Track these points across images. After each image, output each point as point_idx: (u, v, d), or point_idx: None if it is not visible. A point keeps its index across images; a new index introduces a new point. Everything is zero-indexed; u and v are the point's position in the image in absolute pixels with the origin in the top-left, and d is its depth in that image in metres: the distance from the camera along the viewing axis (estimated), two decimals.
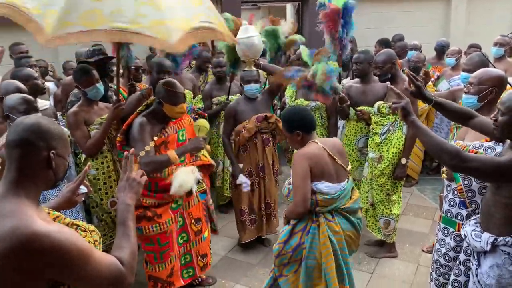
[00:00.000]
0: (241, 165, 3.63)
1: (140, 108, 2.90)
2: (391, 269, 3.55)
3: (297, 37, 4.19)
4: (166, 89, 2.76)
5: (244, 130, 3.56)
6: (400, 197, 3.69)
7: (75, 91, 3.33)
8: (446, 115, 2.34)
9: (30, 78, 3.15)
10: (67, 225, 1.44)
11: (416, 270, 3.53)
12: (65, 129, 2.92)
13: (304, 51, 3.71)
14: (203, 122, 3.07)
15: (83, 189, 1.76)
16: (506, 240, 1.90)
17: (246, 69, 3.66)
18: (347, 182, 2.44)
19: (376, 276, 3.46)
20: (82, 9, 2.15)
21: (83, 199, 1.80)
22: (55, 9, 2.15)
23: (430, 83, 5.13)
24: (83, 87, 2.96)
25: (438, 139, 1.87)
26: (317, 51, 3.50)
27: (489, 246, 1.94)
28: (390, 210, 3.61)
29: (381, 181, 3.56)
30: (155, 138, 2.75)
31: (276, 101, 5.00)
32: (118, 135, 2.83)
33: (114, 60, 3.19)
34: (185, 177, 2.74)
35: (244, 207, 3.71)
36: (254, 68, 3.63)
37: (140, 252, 3.27)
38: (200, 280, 3.33)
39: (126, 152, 1.58)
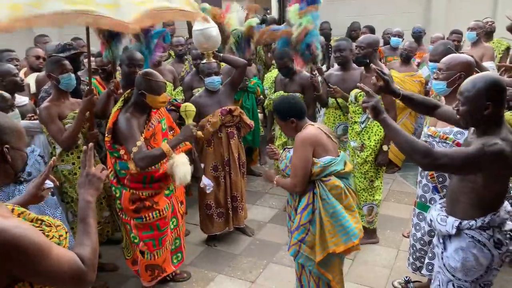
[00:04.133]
0: (202, 165, 3.60)
1: (118, 104, 2.87)
2: (372, 255, 3.59)
3: (253, 21, 4.14)
4: (147, 80, 2.73)
5: (209, 124, 3.51)
6: (382, 183, 3.73)
7: (46, 86, 3.28)
8: (413, 108, 2.33)
9: (8, 74, 3.09)
10: (32, 220, 1.42)
11: (396, 255, 3.58)
12: (20, 121, 2.86)
13: (292, 11, 3.61)
14: (189, 106, 2.97)
15: (49, 183, 1.74)
16: (470, 223, 1.94)
17: (205, 61, 3.58)
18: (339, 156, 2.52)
19: (357, 262, 3.50)
20: None
21: (50, 193, 1.78)
22: None
23: (420, 72, 5.15)
24: (57, 74, 2.92)
25: (408, 138, 1.84)
26: (305, 9, 3.42)
27: (454, 229, 1.97)
28: (373, 196, 3.65)
29: (365, 169, 3.59)
30: (144, 132, 2.75)
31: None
32: (106, 134, 2.79)
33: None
34: (185, 167, 2.79)
35: (210, 202, 3.70)
36: (214, 60, 3.56)
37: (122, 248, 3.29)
38: (173, 274, 3.31)
39: (85, 147, 1.56)
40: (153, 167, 2.78)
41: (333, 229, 2.34)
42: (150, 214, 2.83)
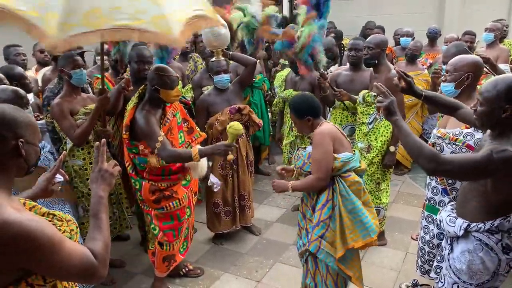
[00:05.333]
0: (210, 163, 3.56)
1: (133, 101, 2.90)
2: (379, 257, 3.56)
3: (271, 10, 4.08)
4: (160, 75, 2.76)
5: (217, 122, 3.51)
6: (389, 185, 3.69)
7: (51, 86, 3.31)
8: (436, 108, 2.30)
9: (23, 78, 3.19)
10: (43, 215, 1.43)
11: (404, 257, 3.54)
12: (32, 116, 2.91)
13: (302, 9, 3.58)
14: (236, 126, 2.71)
15: (59, 177, 1.76)
16: (478, 226, 1.90)
17: (214, 59, 3.57)
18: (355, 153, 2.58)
19: (364, 264, 3.43)
20: (82, 10, 2.09)
21: (59, 187, 1.80)
22: (54, 11, 2.07)
23: (425, 72, 5.11)
24: (69, 69, 2.95)
25: (417, 142, 1.82)
26: (309, 14, 3.40)
27: (462, 231, 1.95)
28: (380, 200, 3.61)
29: (371, 170, 3.54)
30: (161, 127, 2.81)
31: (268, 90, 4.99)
32: (124, 131, 2.83)
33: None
34: (202, 161, 2.89)
35: (218, 200, 3.70)
36: (223, 58, 3.55)
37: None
38: (187, 269, 3.36)
39: (97, 143, 1.56)
40: None
41: (352, 225, 2.39)
42: (171, 203, 2.89)
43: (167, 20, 2.15)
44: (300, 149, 2.68)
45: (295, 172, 2.69)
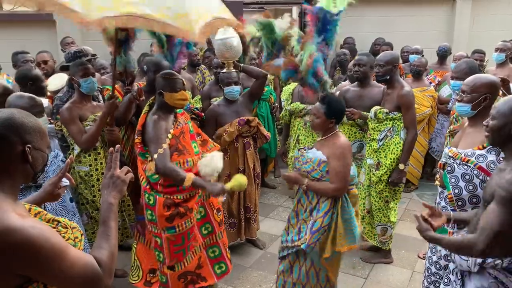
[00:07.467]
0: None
1: (144, 109, 2.91)
2: (385, 275, 3.52)
3: (294, 31, 4.12)
4: (163, 78, 2.77)
5: (226, 134, 3.51)
6: (397, 204, 3.66)
7: (60, 94, 3.34)
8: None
9: (40, 80, 3.19)
10: (48, 221, 1.42)
11: (411, 276, 3.50)
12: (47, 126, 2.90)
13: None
14: (242, 180, 2.80)
15: (65, 181, 1.75)
16: (495, 262, 1.77)
17: (225, 70, 3.59)
18: None
19: (370, 282, 3.43)
20: None
21: (66, 192, 1.79)
22: None
23: (432, 87, 5.11)
24: (79, 77, 2.98)
25: (452, 242, 1.83)
26: (305, 37, 3.44)
27: (477, 267, 1.82)
28: (388, 218, 3.57)
29: (380, 188, 3.52)
30: (171, 130, 2.77)
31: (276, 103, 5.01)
32: (136, 136, 2.82)
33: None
34: (219, 163, 2.84)
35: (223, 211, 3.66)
36: (234, 70, 3.57)
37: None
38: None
39: (111, 148, 1.55)
40: (186, 165, 2.78)
41: (344, 233, 2.61)
42: (183, 223, 2.78)
43: (189, 19, 2.26)
44: (301, 149, 2.76)
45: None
